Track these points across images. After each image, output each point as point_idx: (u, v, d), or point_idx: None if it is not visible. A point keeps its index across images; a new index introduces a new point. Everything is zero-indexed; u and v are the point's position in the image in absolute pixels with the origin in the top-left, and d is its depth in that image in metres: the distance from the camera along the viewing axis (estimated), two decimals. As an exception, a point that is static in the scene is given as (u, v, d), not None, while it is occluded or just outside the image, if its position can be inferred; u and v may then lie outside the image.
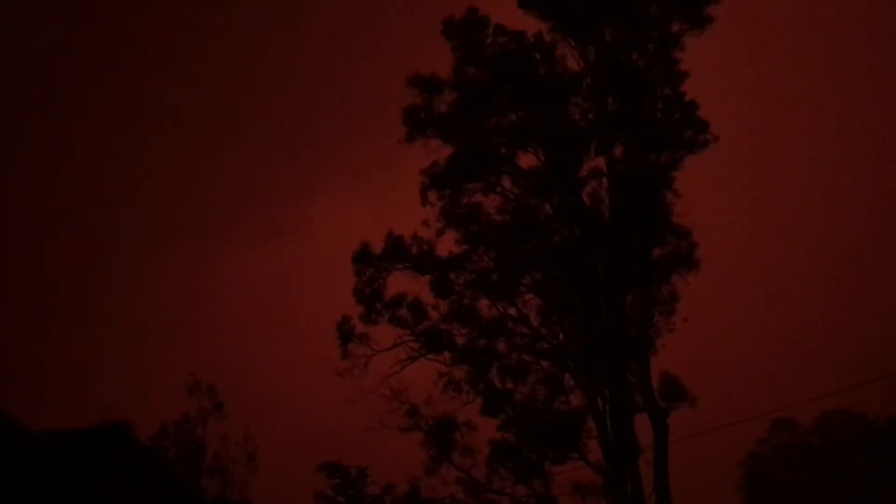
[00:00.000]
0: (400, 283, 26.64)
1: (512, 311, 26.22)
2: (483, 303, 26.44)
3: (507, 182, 26.34)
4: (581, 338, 25.46)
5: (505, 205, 26.35)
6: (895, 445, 52.76)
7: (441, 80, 26.54)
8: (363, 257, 26.79)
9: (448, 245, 26.44)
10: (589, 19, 25.61)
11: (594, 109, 25.78)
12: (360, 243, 26.76)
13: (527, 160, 26.25)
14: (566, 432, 25.01)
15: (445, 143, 26.36)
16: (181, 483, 22.11)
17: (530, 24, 26.44)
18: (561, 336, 25.96)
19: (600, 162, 25.50)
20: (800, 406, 59.82)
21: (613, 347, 24.35)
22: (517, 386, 25.87)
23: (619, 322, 24.57)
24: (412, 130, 26.47)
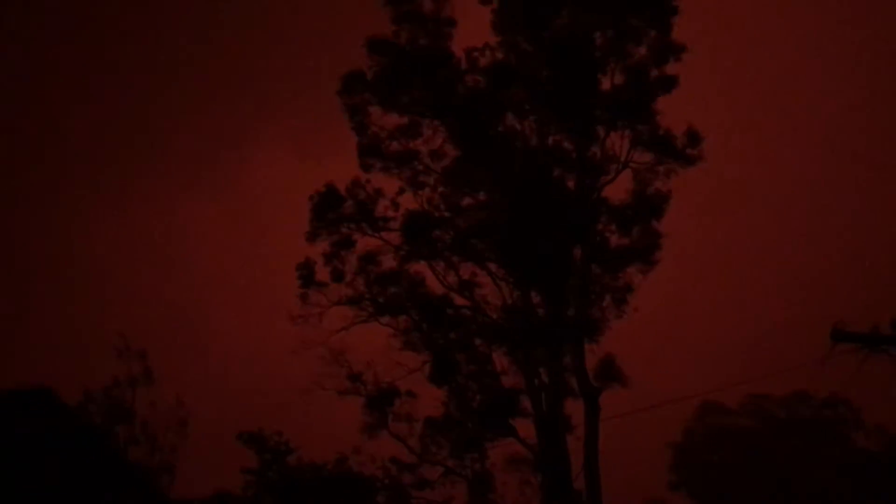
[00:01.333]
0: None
1: (454, 281, 26.24)
2: (429, 275, 26.41)
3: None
4: (524, 317, 25.60)
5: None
6: (826, 428, 54.57)
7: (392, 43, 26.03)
8: (325, 198, 26.21)
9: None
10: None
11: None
12: (324, 185, 26.19)
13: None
14: (502, 409, 25.25)
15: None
16: (106, 447, 21.74)
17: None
18: (502, 313, 26.08)
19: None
20: (731, 388, 61.43)
21: (554, 330, 24.60)
22: (464, 359, 25.95)
23: (562, 306, 24.82)
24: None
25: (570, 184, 25.69)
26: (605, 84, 25.60)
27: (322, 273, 26.25)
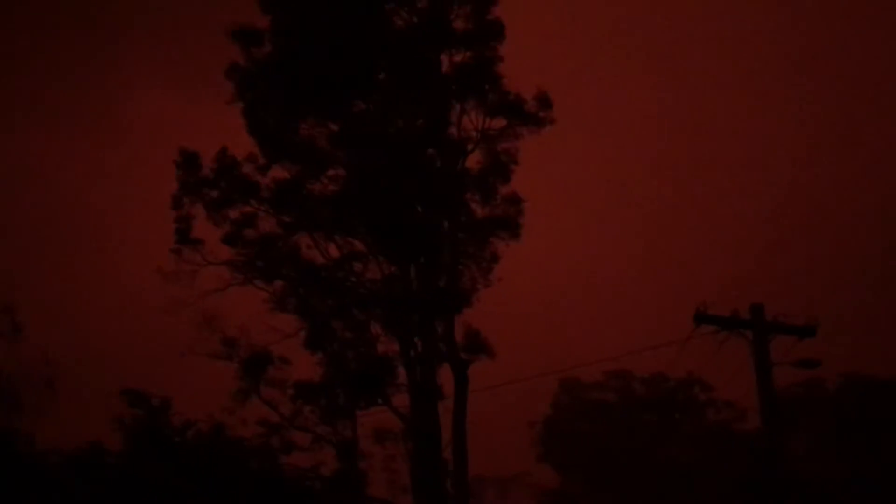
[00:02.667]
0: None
1: (335, 254, 25.95)
2: (306, 241, 25.96)
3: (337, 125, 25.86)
4: (399, 286, 25.55)
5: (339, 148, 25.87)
6: (682, 404, 57.53)
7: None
8: (188, 163, 25.42)
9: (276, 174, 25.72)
10: None
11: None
12: (190, 149, 25.43)
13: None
14: (376, 377, 25.17)
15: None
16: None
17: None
18: (380, 282, 25.94)
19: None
20: (595, 364, 63.84)
21: (428, 299, 24.66)
22: (340, 326, 25.69)
23: (435, 275, 24.90)
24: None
25: (436, 160, 25.85)
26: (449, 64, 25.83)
27: (199, 230, 25.45)
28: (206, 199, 25.46)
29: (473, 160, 25.83)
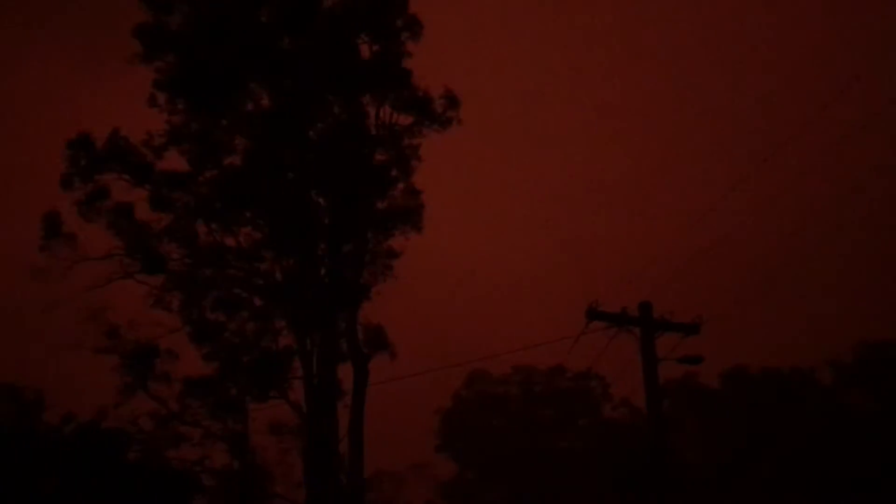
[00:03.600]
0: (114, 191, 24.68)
1: (231, 242, 25.39)
2: (202, 229, 25.32)
3: (243, 112, 25.31)
4: (297, 279, 25.23)
5: (238, 136, 25.32)
6: (579, 398, 58.92)
7: None
8: (81, 145, 24.36)
9: (174, 161, 25.00)
10: None
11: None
12: (77, 130, 24.42)
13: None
14: (272, 370, 24.79)
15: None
16: None
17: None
18: (278, 275, 25.55)
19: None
20: (498, 358, 64.72)
21: (328, 292, 24.44)
22: (230, 319, 25.14)
23: (336, 268, 24.70)
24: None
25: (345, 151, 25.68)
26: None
27: (72, 222, 24.39)
28: (91, 187, 24.45)
29: (380, 154, 25.77)
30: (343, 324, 24.73)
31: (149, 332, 24.56)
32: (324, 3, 25.49)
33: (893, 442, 26.86)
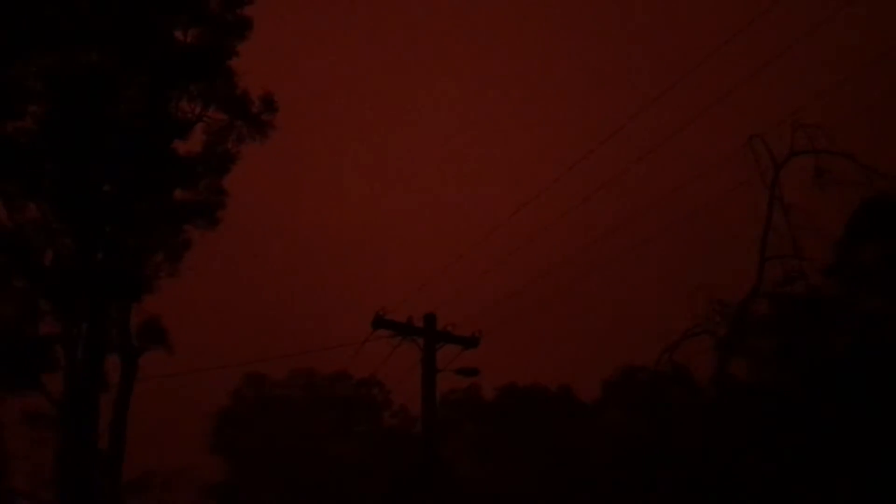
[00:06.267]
0: None
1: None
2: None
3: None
4: (70, 264, 23.47)
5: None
6: (360, 405, 59.34)
7: None
8: None
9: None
10: None
11: None
12: None
13: None
14: (30, 358, 22.87)
15: None
16: None
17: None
18: (49, 257, 23.67)
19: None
20: (280, 360, 63.98)
21: (103, 281, 22.94)
22: None
23: (113, 256, 23.24)
24: None
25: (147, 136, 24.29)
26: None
27: None
28: None
29: (193, 146, 24.53)
30: (115, 314, 23.34)
31: None
32: None
33: (646, 457, 29.60)
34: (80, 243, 23.38)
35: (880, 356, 23.64)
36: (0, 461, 23.36)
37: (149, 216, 24.00)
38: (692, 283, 30.32)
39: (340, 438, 58.66)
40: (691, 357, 28.73)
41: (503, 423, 49.64)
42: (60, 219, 23.25)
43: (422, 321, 19.05)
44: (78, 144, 22.92)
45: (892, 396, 22.82)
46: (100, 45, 23.20)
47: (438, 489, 19.06)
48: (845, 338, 25.51)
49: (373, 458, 54.37)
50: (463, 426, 50.29)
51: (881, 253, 26.75)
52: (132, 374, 22.57)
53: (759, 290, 28.07)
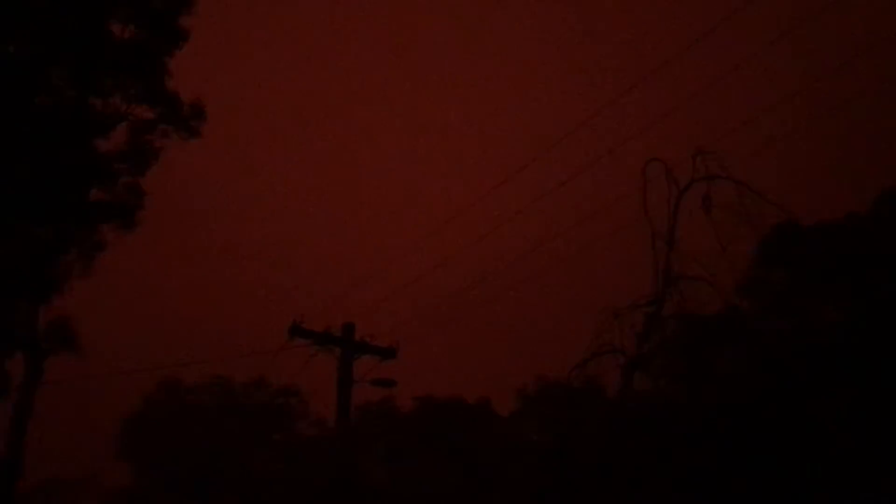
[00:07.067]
0: None
1: None
2: None
3: None
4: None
5: None
6: (278, 414, 58.46)
7: None
8: None
9: None
10: None
11: None
12: None
13: None
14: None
15: None
16: None
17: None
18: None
19: None
20: (195, 366, 62.71)
21: (7, 278, 22.06)
22: None
23: (18, 252, 22.36)
24: None
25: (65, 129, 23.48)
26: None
27: None
28: None
29: (114, 144, 23.81)
30: (22, 312, 22.46)
31: None
32: None
33: (554, 467, 30.39)
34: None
35: (778, 373, 24.65)
36: None
37: (62, 213, 23.17)
38: (607, 301, 30.68)
39: (256, 447, 57.64)
40: (604, 372, 29.16)
41: (419, 434, 49.66)
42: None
43: (341, 331, 18.94)
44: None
45: (789, 410, 23.85)
46: (24, 31, 22.41)
47: (353, 499, 18.96)
48: (745, 355, 26.43)
49: (288, 466, 53.62)
50: (379, 437, 50.07)
51: (790, 275, 27.74)
52: (36, 375, 21.72)
53: (660, 311, 28.18)
